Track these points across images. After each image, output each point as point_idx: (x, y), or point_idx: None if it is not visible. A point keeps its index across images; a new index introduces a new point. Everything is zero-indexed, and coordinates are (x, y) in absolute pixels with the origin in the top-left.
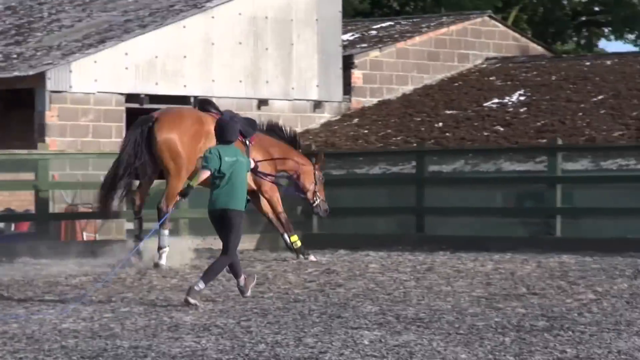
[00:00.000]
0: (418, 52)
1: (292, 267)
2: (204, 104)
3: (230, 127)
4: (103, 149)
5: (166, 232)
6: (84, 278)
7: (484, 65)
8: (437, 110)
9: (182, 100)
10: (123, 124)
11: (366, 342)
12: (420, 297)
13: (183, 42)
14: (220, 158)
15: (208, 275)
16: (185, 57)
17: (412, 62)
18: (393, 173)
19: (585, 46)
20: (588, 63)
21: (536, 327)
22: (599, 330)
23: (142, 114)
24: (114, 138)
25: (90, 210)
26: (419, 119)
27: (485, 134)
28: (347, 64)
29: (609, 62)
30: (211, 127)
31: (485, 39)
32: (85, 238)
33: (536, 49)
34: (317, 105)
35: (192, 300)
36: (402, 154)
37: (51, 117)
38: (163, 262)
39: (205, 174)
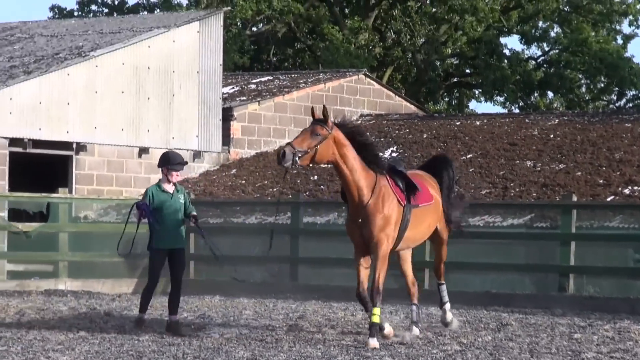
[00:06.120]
0: (295, 106)
1: (167, 311)
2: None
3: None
4: None
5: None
6: None
7: (359, 122)
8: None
9: (65, 145)
10: (6, 167)
11: None
12: (292, 344)
13: (67, 89)
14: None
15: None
16: (68, 103)
17: (290, 116)
18: (269, 223)
19: (456, 106)
20: (458, 123)
21: None
22: None
23: (25, 158)
24: None
25: None
26: (294, 171)
27: None
28: (227, 116)
29: (478, 123)
30: None
31: (360, 96)
32: None
33: (409, 107)
34: (197, 155)
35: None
36: (277, 205)
37: None
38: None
39: None
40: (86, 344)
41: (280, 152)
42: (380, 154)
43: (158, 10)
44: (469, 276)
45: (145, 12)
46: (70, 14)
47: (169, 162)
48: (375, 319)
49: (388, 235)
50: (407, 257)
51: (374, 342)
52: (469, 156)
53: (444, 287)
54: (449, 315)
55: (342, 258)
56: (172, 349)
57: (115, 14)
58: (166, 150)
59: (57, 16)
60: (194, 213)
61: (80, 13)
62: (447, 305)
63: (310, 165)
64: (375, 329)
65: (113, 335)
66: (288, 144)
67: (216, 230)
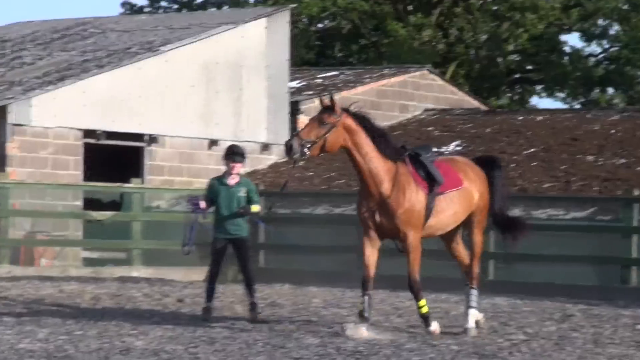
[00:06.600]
0: (361, 101)
1: (239, 298)
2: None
3: None
4: (61, 181)
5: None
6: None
7: (423, 116)
8: None
9: (137, 137)
10: (80, 158)
11: None
12: None
13: (138, 82)
14: None
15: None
16: (140, 97)
17: None
18: (336, 214)
19: (518, 102)
20: (521, 118)
21: None
22: None
23: (98, 149)
24: (71, 171)
25: (48, 237)
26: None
27: None
28: (294, 110)
29: (540, 118)
30: None
31: (424, 92)
32: (43, 264)
33: (472, 102)
34: (265, 147)
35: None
36: (344, 196)
37: (12, 148)
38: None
39: None
40: (160, 329)
41: (287, 144)
42: (394, 142)
43: (226, 6)
44: (533, 268)
45: (214, 9)
46: (140, 10)
47: (228, 154)
48: (425, 310)
49: (415, 226)
50: (455, 238)
51: (435, 327)
52: (531, 150)
53: (474, 292)
54: (471, 322)
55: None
56: (244, 335)
57: (184, 10)
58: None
59: (128, 12)
60: (253, 206)
61: (150, 9)
62: (473, 311)
63: (321, 154)
64: (427, 319)
65: (185, 321)
66: (295, 135)
67: (284, 220)
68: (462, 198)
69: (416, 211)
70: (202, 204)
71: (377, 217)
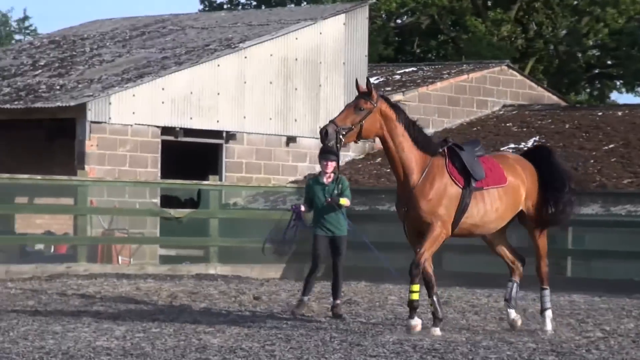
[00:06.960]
0: (439, 97)
1: (315, 296)
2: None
3: None
4: (139, 178)
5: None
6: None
7: (502, 112)
8: None
9: (215, 134)
10: (158, 155)
11: None
12: None
13: (217, 79)
14: None
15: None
16: (218, 94)
17: (434, 106)
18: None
19: (597, 97)
20: (600, 113)
21: None
22: None
23: (176, 146)
24: (149, 168)
25: (126, 235)
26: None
27: None
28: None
29: (619, 113)
30: None
31: (503, 87)
32: (120, 262)
33: (551, 98)
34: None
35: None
36: None
37: (91, 146)
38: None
39: None
40: (236, 326)
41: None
42: (430, 134)
43: (305, 2)
44: (611, 264)
45: (293, 5)
46: (219, 7)
47: (321, 153)
48: (415, 297)
49: (440, 218)
50: (497, 238)
51: (414, 323)
52: (610, 146)
53: (546, 293)
54: (549, 324)
55: (484, 245)
56: (320, 332)
57: (263, 7)
58: (313, 138)
59: (207, 9)
60: (342, 199)
61: (229, 6)
62: (549, 312)
63: (357, 142)
64: (414, 308)
65: (262, 319)
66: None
67: (362, 217)
68: (506, 195)
69: (443, 203)
70: (302, 207)
71: (407, 211)
